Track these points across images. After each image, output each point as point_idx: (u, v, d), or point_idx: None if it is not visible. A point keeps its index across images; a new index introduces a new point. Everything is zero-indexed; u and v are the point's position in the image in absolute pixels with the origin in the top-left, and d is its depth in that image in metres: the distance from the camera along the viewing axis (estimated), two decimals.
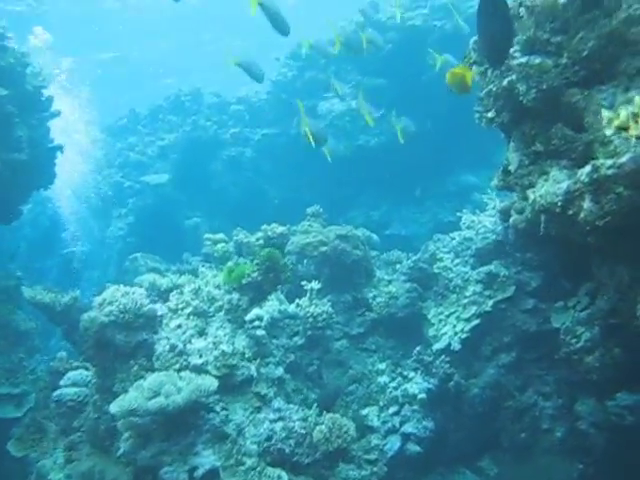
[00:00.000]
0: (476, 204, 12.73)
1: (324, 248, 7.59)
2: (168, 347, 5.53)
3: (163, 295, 7.20)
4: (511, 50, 4.19)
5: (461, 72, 4.21)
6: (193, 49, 27.13)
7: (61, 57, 17.95)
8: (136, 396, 5.06)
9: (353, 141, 13.12)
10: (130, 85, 26.45)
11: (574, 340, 6.09)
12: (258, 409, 5.58)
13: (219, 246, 8.45)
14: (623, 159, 3.49)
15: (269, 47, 16.72)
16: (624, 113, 2.70)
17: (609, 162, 3.51)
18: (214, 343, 5.66)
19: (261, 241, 8.16)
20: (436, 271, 7.63)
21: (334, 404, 6.67)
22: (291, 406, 5.82)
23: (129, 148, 15.69)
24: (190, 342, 5.72)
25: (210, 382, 5.24)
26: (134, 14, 24.45)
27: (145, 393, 5.08)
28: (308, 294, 7.07)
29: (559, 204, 3.84)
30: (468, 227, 7.64)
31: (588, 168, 3.60)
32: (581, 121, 3.96)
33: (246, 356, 5.74)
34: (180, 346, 5.57)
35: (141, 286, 7.48)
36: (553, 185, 3.90)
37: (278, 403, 5.73)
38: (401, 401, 6.60)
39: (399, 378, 6.97)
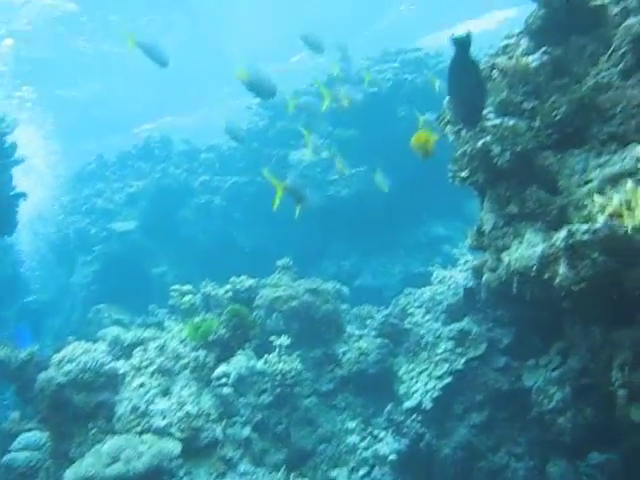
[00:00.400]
0: (446, 256, 12.79)
1: (293, 302, 7.45)
2: (130, 408, 5.31)
3: (127, 350, 6.99)
4: (485, 111, 4.17)
5: (425, 137, 4.25)
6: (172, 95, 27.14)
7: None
8: (93, 462, 4.82)
9: (324, 191, 13.09)
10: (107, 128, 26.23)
11: (546, 400, 5.99)
12: (223, 474, 5.35)
13: (186, 298, 8.27)
14: (598, 224, 3.44)
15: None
16: (617, 200, 2.64)
17: (584, 227, 3.46)
18: (178, 403, 5.45)
19: (229, 294, 8.01)
20: (407, 326, 7.52)
21: (303, 465, 6.46)
22: (258, 470, 5.61)
23: (96, 194, 15.48)
24: (153, 402, 5.50)
25: (173, 446, 5.02)
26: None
27: (103, 459, 4.85)
28: (277, 350, 6.89)
29: (534, 268, 3.77)
30: (440, 282, 7.57)
31: (563, 233, 3.55)
32: (555, 184, 3.93)
33: (212, 417, 5.53)
34: (142, 407, 5.35)
35: (104, 340, 7.29)
36: (528, 248, 3.83)
37: (244, 466, 5.52)
38: (371, 462, 6.41)
39: (369, 438, 6.79)
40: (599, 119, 3.93)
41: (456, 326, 6.95)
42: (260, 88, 6.18)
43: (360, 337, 7.66)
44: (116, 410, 5.37)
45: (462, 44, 3.34)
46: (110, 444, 4.97)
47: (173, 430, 5.28)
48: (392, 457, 6.37)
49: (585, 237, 3.46)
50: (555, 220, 3.87)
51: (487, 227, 4.38)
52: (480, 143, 4.16)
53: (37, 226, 16.98)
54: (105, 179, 16.02)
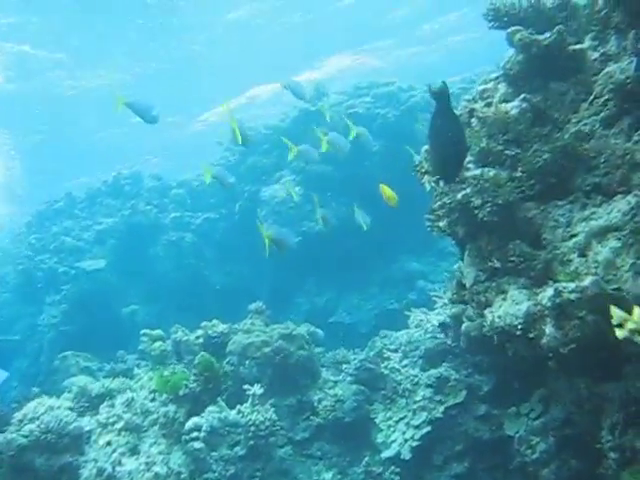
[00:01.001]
0: (421, 291, 12.68)
1: (267, 349, 7.21)
2: (95, 471, 5.03)
3: (94, 401, 6.69)
4: (465, 161, 4.03)
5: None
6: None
7: None
8: None
9: (297, 228, 12.91)
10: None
11: (529, 451, 5.82)
12: None
13: (156, 345, 8.00)
14: (586, 282, 3.30)
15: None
16: (638, 313, 2.50)
17: (571, 286, 3.32)
18: (146, 464, 5.18)
19: (201, 339, 7.77)
20: (384, 372, 7.32)
21: None
22: None
23: (65, 233, 15.14)
24: (120, 463, 5.22)
25: None
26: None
27: None
28: (250, 400, 6.65)
29: (519, 327, 3.61)
30: (416, 326, 7.40)
31: (550, 292, 3.40)
32: (539, 237, 3.80)
33: (182, 477, 5.25)
34: (109, 469, 5.07)
35: (70, 390, 6.99)
36: (512, 306, 3.68)
37: None
38: None
39: None
40: (583, 169, 3.81)
41: (434, 372, 6.76)
42: (139, 111, 6.27)
43: (335, 383, 7.43)
44: (80, 473, 5.08)
45: (441, 94, 3.20)
46: None
47: None
48: None
49: (572, 296, 3.32)
50: (539, 276, 3.72)
51: (468, 281, 4.21)
52: (460, 195, 4.01)
53: (3, 265, 16.58)
54: (74, 217, 15.70)
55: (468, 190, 3.95)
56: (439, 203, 4.28)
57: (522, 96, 4.10)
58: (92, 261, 14.21)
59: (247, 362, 7.27)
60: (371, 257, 12.94)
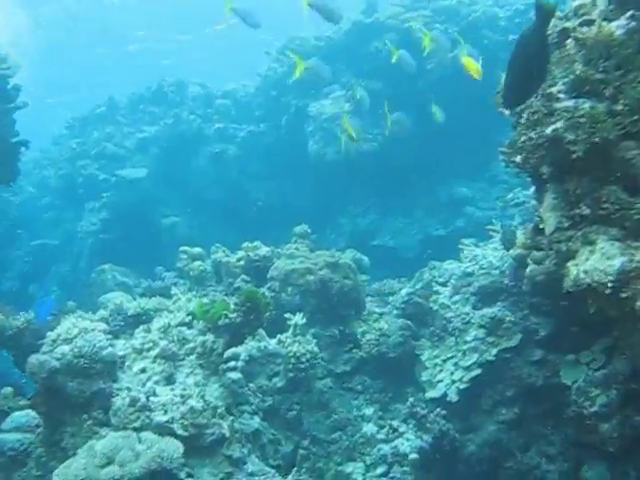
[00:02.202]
0: (469, 218, 12.17)
1: (310, 277, 6.84)
2: (128, 400, 4.77)
3: (129, 320, 6.46)
4: (554, 89, 3.47)
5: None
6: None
7: None
8: (85, 463, 4.32)
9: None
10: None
11: (587, 403, 5.44)
12: (229, 475, 4.84)
13: (195, 264, 7.71)
14: None
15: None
16: None
17: None
18: (182, 396, 4.90)
19: (242, 262, 7.43)
20: (433, 307, 6.94)
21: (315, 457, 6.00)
22: (267, 470, 5.11)
23: (106, 139, 14.77)
24: (154, 394, 4.96)
25: (174, 447, 4.50)
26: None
27: (97, 460, 4.34)
28: (291, 329, 6.35)
29: (609, 285, 3.14)
30: (470, 260, 6.94)
31: None
32: (638, 183, 3.26)
33: (218, 411, 4.99)
34: (142, 399, 4.81)
35: (105, 308, 6.77)
36: (602, 261, 3.20)
37: (252, 466, 5.01)
38: (390, 460, 5.91)
39: (387, 428, 6.28)
40: None
41: (488, 312, 6.36)
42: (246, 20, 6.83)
43: (381, 316, 7.09)
44: (113, 401, 4.84)
45: (547, 16, 2.68)
46: (105, 442, 4.45)
47: (175, 427, 4.75)
48: (413, 456, 5.85)
49: None
50: (636, 227, 3.22)
51: (548, 227, 3.71)
52: (549, 130, 3.46)
53: (45, 168, 16.41)
54: (116, 123, 15.30)
55: (559, 124, 3.40)
56: (525, 137, 3.73)
57: (630, 13, 3.47)
58: (133, 170, 13.90)
59: (289, 289, 6.94)
60: (418, 179, 12.37)
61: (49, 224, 15.47)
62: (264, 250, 7.39)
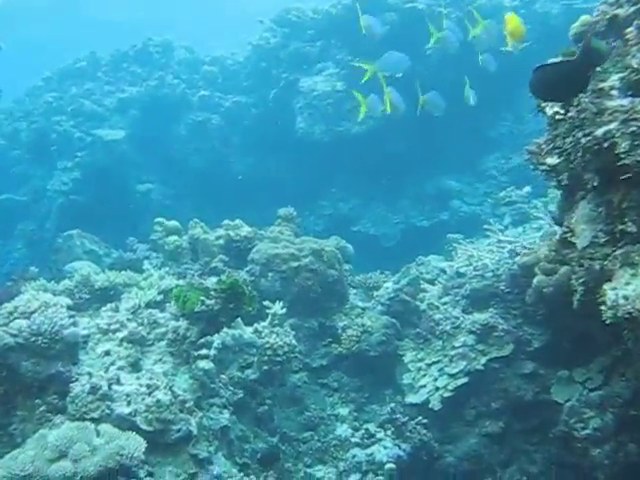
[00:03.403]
0: (454, 212, 11.82)
1: (294, 264, 6.42)
2: (88, 387, 4.31)
3: (96, 294, 6.00)
4: (605, 84, 3.06)
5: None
6: None
7: None
8: (34, 456, 3.85)
9: (333, 126, 11.89)
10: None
11: (580, 425, 5.12)
12: (193, 476, 4.41)
13: (171, 239, 7.23)
14: None
15: None
16: None
17: None
18: (148, 386, 4.46)
19: (221, 241, 6.98)
20: (420, 306, 6.57)
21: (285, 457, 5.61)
22: (233, 472, 4.70)
23: (85, 95, 14.11)
24: (118, 382, 4.50)
25: (136, 444, 4.05)
26: None
27: (47, 452, 3.88)
28: (269, 319, 5.92)
29: None
30: (463, 260, 6.55)
31: None
32: None
33: (187, 405, 4.56)
34: (104, 387, 4.35)
35: (71, 278, 6.28)
36: None
37: (218, 467, 4.59)
38: (365, 468, 5.52)
39: (362, 432, 5.90)
40: None
41: (479, 318, 5.99)
42: None
43: (364, 310, 6.70)
44: (72, 387, 4.37)
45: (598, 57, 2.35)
46: (58, 433, 3.98)
47: (138, 420, 4.30)
48: (390, 465, 5.47)
49: None
50: None
51: (581, 241, 3.31)
52: (601, 131, 3.04)
53: (18, 120, 15.64)
54: (96, 79, 14.62)
55: (613, 126, 2.97)
56: (566, 138, 3.29)
57: None
58: (110, 130, 13.29)
59: (270, 275, 6.50)
60: (406, 168, 11.95)
61: (17, 179, 14.74)
62: (245, 230, 6.94)
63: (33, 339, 4.36)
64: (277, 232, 7.01)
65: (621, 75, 3.03)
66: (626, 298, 2.87)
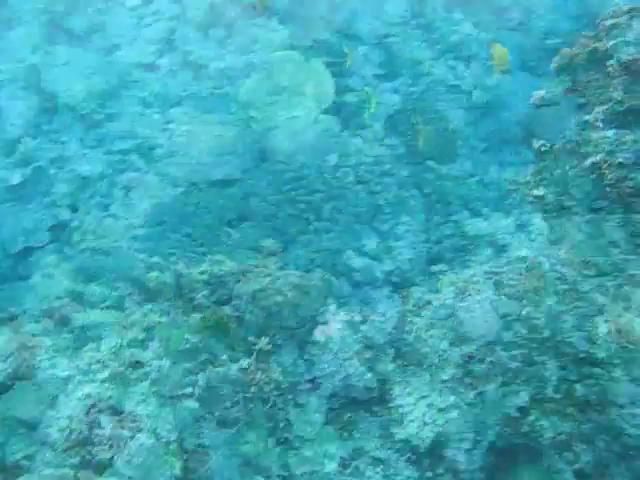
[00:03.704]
0: None
1: (279, 298, 6.34)
2: (68, 431, 4.18)
3: (76, 333, 5.86)
4: (590, 117, 3.04)
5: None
6: None
7: None
8: None
9: None
10: None
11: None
12: None
13: (152, 275, 7.09)
14: None
15: None
16: None
17: None
18: (130, 429, 4.33)
19: (205, 276, 6.88)
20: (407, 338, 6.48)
21: None
22: None
23: None
24: (99, 425, 4.37)
25: None
26: None
27: None
28: (255, 355, 5.82)
29: None
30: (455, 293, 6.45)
31: None
32: None
33: (171, 448, 4.43)
34: (84, 431, 4.22)
35: (51, 316, 6.16)
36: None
37: None
38: None
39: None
40: None
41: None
42: None
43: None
44: (48, 432, 4.22)
45: None
46: None
47: (120, 466, 4.16)
48: None
49: None
50: None
51: None
52: (589, 162, 2.99)
53: None
54: None
55: (598, 158, 2.93)
56: (559, 172, 3.24)
57: None
58: None
59: (254, 310, 6.40)
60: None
61: None
62: (229, 266, 6.85)
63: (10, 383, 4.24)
64: (262, 266, 6.93)
65: (607, 108, 3.01)
66: (618, 331, 2.80)
